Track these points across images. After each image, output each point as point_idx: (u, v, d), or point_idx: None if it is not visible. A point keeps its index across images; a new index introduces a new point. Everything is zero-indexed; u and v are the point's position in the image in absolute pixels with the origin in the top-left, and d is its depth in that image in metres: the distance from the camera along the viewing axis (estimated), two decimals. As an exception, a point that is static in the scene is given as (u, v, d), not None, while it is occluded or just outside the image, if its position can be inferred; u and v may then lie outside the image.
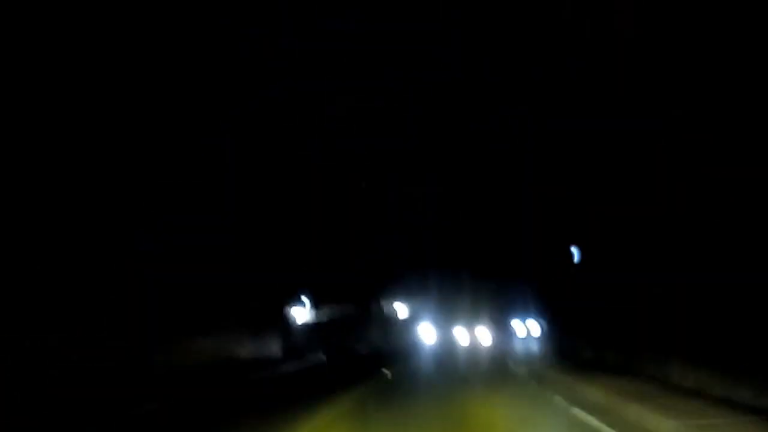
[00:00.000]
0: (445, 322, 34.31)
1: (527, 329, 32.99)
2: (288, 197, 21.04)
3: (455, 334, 33.87)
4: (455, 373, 17.07)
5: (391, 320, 32.63)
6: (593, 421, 8.53)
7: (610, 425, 8.16)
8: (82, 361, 10.95)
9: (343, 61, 18.44)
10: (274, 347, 21.74)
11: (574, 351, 18.15)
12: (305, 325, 25.93)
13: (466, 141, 23.64)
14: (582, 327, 17.54)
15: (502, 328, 34.33)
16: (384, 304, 33.10)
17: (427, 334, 33.61)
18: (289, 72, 18.04)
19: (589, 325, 16.57)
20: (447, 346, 30.64)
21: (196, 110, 15.32)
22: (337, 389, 12.36)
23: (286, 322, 24.25)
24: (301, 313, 26.38)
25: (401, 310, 34.34)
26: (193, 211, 15.35)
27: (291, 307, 25.16)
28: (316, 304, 26.64)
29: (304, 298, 25.80)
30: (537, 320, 32.50)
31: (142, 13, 12.76)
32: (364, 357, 24.61)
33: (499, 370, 17.97)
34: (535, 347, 26.08)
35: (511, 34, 16.56)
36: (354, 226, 25.44)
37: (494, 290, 33.68)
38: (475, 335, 33.38)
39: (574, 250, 18.79)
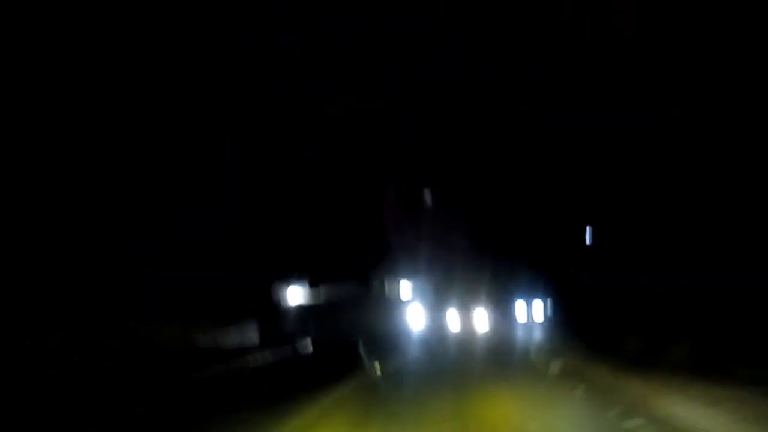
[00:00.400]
0: (445, 303, 29.81)
1: (540, 314, 30.22)
2: (288, 197, 21.02)
3: (458, 317, 29.12)
4: (467, 370, 13.40)
5: (393, 302, 28.93)
6: None
7: None
8: (82, 361, 10.95)
9: (343, 61, 18.45)
10: (253, 334, 18.90)
11: (611, 340, 14.58)
12: (298, 307, 23.49)
13: (466, 141, 23.65)
14: (620, 311, 14.49)
15: (507, 312, 30.87)
16: (388, 283, 29.49)
17: (418, 317, 28.73)
18: (289, 72, 18.04)
19: (633, 308, 13.58)
20: (450, 332, 26.64)
21: (196, 110, 15.31)
22: (305, 389, 9.80)
23: (271, 305, 21.70)
24: (296, 294, 24.23)
25: (406, 290, 30.39)
26: (193, 211, 15.33)
27: (283, 287, 23.27)
28: (314, 284, 24.43)
29: (299, 278, 23.76)
30: (547, 303, 29.94)
31: (142, 13, 12.76)
32: (357, 344, 20.72)
33: (522, 365, 14.17)
34: (553, 335, 21.80)
35: (511, 34, 16.58)
36: (354, 226, 25.36)
37: (496, 270, 30.03)
38: (481, 318, 28.74)
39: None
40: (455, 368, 14.29)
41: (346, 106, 20.51)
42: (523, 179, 22.83)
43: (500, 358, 16.39)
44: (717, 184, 9.41)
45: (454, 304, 29.55)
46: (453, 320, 29.16)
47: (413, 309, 29.03)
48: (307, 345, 20.10)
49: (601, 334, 15.39)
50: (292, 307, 23.33)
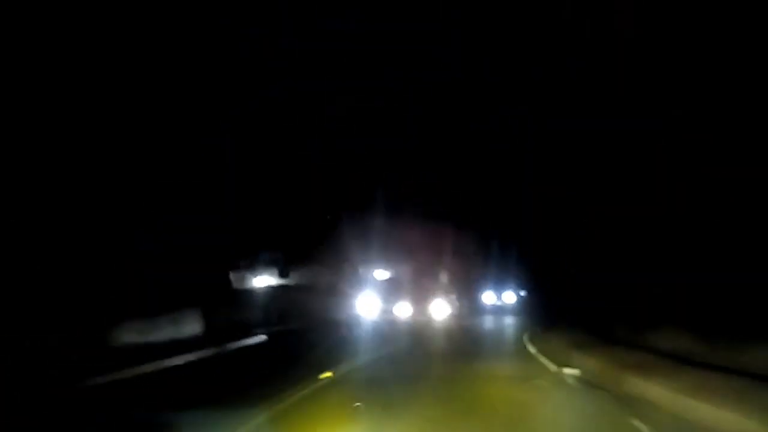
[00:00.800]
0: (405, 293, 24.58)
1: (514, 299, 27.21)
2: (288, 197, 21.02)
3: (417, 306, 23.79)
4: (442, 374, 9.65)
5: (356, 290, 24.77)
6: None
7: None
8: (82, 361, 10.95)
9: (343, 61, 18.50)
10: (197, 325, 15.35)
11: (639, 334, 11.09)
12: (261, 294, 20.73)
13: (466, 141, 23.68)
14: (652, 299, 11.33)
15: (476, 299, 27.09)
16: (363, 270, 25.99)
17: (372, 307, 23.35)
18: (289, 72, 18.08)
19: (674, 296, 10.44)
20: (410, 323, 21.23)
21: (196, 110, 15.33)
22: (230, 401, 7.47)
23: (229, 292, 18.95)
24: (265, 280, 22.02)
25: (381, 277, 26.51)
26: (193, 211, 15.33)
27: (246, 273, 21.30)
28: (284, 269, 22.39)
29: (269, 264, 21.87)
30: (520, 290, 27.05)
31: (142, 13, 12.77)
32: (315, 338, 16.48)
33: (520, 365, 10.39)
34: (542, 325, 17.69)
35: (511, 34, 16.60)
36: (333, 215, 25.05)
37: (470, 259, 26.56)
38: (442, 306, 23.76)
39: None
40: (424, 371, 10.10)
41: (346, 106, 20.54)
42: (523, 179, 22.86)
43: (481, 355, 12.23)
44: (717, 184, 9.42)
45: (411, 293, 24.31)
46: (412, 309, 23.52)
47: (368, 298, 23.84)
48: (260, 337, 16.63)
49: (622, 327, 12.23)
50: (254, 294, 20.80)
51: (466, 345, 14.43)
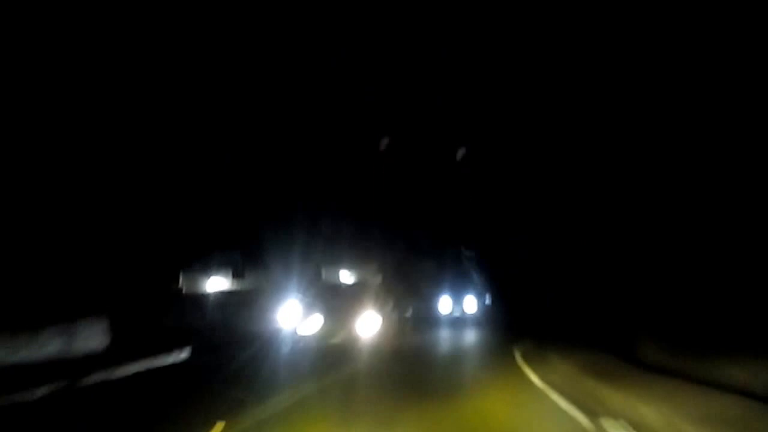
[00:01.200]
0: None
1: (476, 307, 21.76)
2: (243, 196, 20.74)
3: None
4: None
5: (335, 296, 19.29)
6: None
7: None
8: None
9: (342, 62, 18.56)
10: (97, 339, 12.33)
11: (679, 360, 7.92)
12: (211, 300, 18.01)
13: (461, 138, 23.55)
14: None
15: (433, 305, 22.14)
16: (326, 272, 21.63)
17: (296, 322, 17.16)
18: (289, 70, 18.12)
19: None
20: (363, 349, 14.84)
21: (196, 110, 15.35)
22: None
23: (156, 298, 16.01)
24: (218, 283, 19.65)
25: (347, 281, 22.47)
26: (134, 206, 14.66)
27: (199, 274, 19.31)
28: (239, 271, 19.83)
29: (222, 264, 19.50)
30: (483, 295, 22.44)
31: (142, 13, 12.79)
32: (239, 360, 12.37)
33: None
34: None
35: (510, 34, 16.65)
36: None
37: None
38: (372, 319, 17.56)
39: None
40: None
41: (346, 103, 20.58)
42: (522, 178, 22.79)
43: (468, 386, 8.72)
44: (716, 184, 9.38)
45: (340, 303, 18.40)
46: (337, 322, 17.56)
47: (292, 308, 17.54)
48: (183, 352, 13.39)
49: (651, 345, 8.94)
50: (202, 299, 18.13)
51: (436, 373, 10.34)
